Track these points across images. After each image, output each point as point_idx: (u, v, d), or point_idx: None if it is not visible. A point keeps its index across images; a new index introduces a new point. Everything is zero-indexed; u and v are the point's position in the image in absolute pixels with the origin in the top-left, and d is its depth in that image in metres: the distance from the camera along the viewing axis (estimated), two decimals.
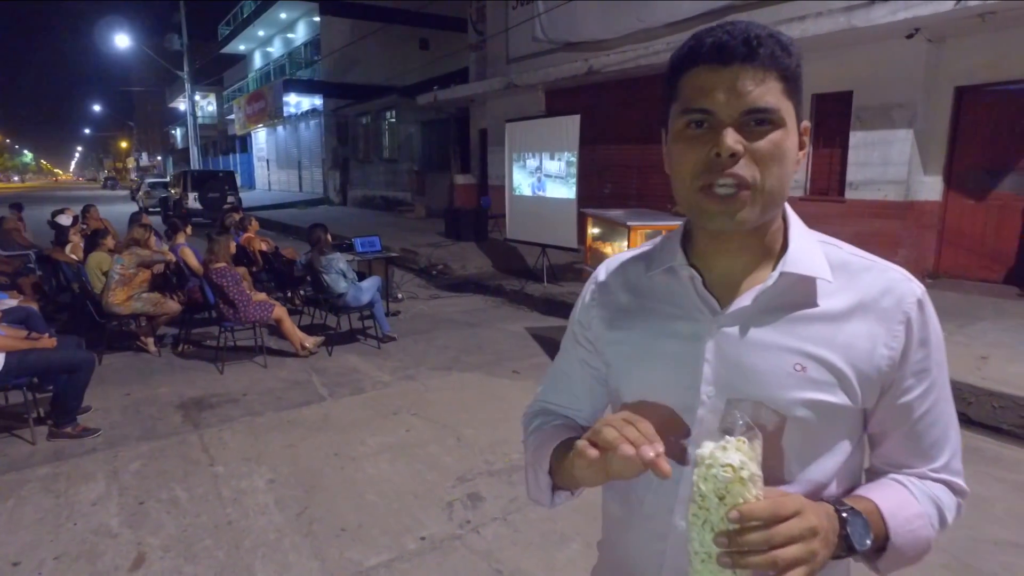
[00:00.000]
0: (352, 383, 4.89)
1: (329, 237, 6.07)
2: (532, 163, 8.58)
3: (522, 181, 8.84)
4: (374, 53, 21.91)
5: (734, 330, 0.78)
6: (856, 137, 7.20)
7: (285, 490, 3.25)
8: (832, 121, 7.46)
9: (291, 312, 6.21)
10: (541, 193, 8.45)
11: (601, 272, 0.96)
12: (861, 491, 0.80)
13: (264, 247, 7.63)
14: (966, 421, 3.89)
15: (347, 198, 23.01)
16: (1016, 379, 3.98)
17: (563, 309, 6.78)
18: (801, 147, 0.77)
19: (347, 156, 23.35)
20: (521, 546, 2.74)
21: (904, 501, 0.78)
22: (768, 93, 0.71)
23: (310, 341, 5.63)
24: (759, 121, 0.71)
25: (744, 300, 0.78)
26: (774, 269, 0.78)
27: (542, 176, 8.39)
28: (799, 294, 0.78)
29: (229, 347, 5.44)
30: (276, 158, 30.68)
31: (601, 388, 0.96)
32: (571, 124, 7.75)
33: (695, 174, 0.74)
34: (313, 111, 24.97)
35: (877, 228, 7.11)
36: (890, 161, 6.95)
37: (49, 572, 2.59)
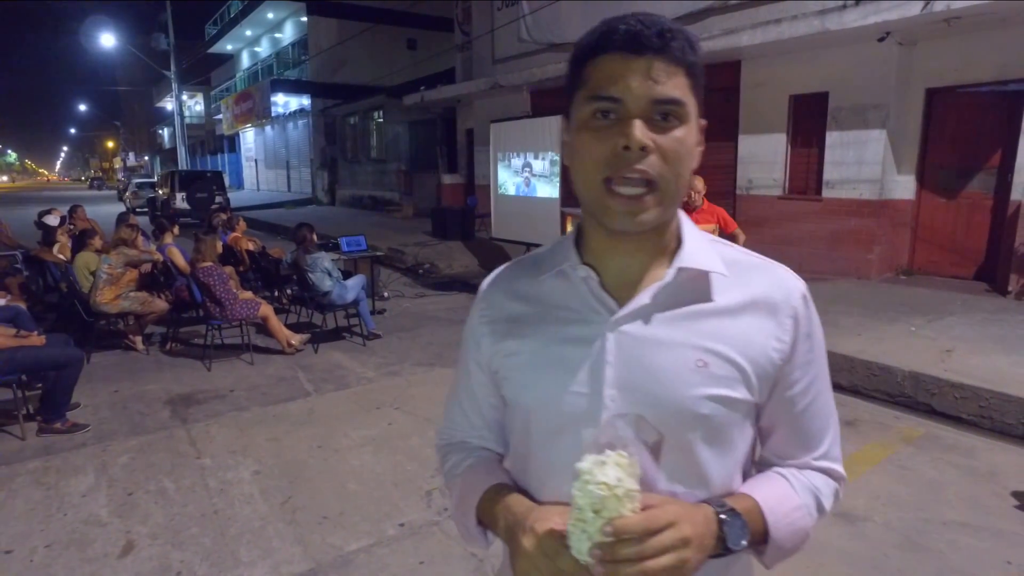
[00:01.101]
0: (337, 379, 5.00)
1: (315, 236, 6.17)
2: (517, 163, 8.71)
3: (507, 181, 8.97)
4: (361, 53, 21.93)
5: (634, 328, 0.77)
6: (832, 137, 7.39)
7: (270, 481, 3.36)
8: (809, 121, 7.65)
9: (277, 310, 6.30)
10: (528, 193, 8.58)
11: (484, 287, 0.93)
12: (745, 487, 0.82)
13: (251, 246, 7.71)
14: (929, 411, 4.06)
15: (335, 198, 23.02)
16: (977, 371, 4.14)
17: None
18: (699, 143, 0.77)
19: (335, 156, 23.37)
20: None
21: (784, 495, 0.80)
22: (677, 87, 0.71)
23: (296, 339, 5.73)
24: (665, 116, 0.71)
25: (643, 298, 0.77)
26: (670, 266, 0.78)
27: (530, 177, 8.52)
28: (696, 290, 0.78)
29: (216, 345, 5.53)
30: (264, 158, 30.62)
31: (495, 413, 0.93)
32: (554, 124, 7.88)
33: (599, 166, 0.72)
34: (301, 111, 24.96)
35: (853, 226, 7.30)
36: (865, 160, 7.14)
37: (41, 559, 2.69)
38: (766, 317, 0.78)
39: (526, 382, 0.83)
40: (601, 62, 0.72)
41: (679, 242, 0.80)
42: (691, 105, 0.73)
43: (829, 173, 7.48)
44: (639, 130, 0.69)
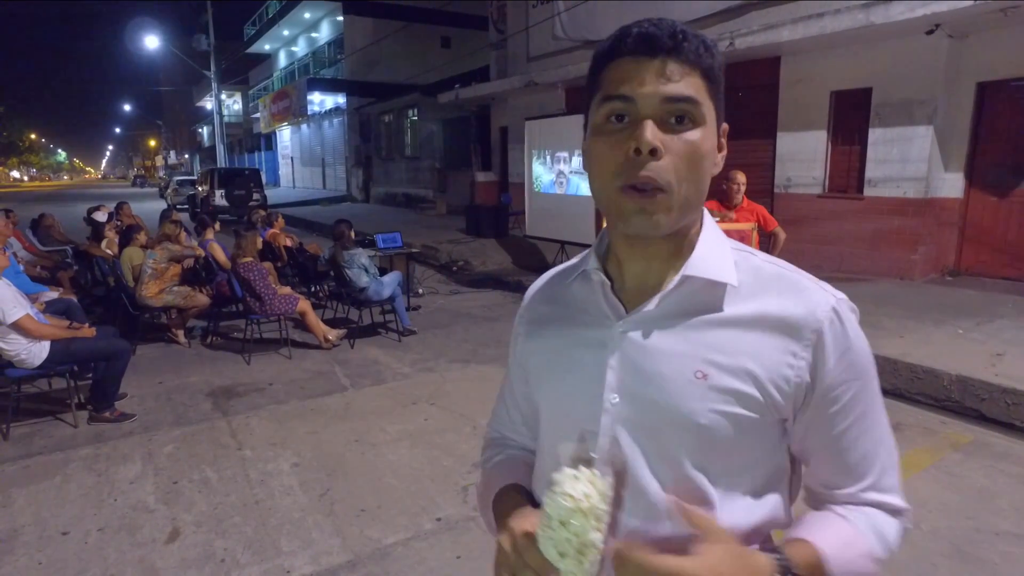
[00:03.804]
0: (373, 374, 5.07)
1: (352, 233, 6.25)
2: (551, 160, 8.69)
3: (542, 178, 8.96)
4: (396, 52, 22.15)
5: (637, 335, 0.77)
6: (875, 134, 7.18)
7: (308, 473, 3.42)
8: (851, 118, 7.45)
9: (315, 306, 6.40)
10: (562, 191, 8.56)
11: (532, 286, 0.97)
12: (803, 530, 0.76)
13: (289, 243, 7.85)
14: (978, 417, 3.93)
15: (370, 195, 23.30)
16: None
17: None
18: (720, 149, 0.76)
19: (370, 154, 23.65)
20: None
21: (848, 540, 0.75)
22: (692, 87, 0.70)
23: (333, 334, 5.82)
24: (679, 118, 0.70)
25: (649, 304, 0.77)
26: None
27: (564, 174, 8.49)
28: (704, 299, 0.76)
29: (255, 339, 5.65)
30: (300, 156, 31.15)
31: (532, 409, 0.94)
32: None
33: (615, 172, 0.71)
34: (336, 109, 25.32)
35: (896, 225, 7.09)
36: (909, 158, 6.92)
37: (95, 541, 2.80)
38: (781, 332, 0.74)
39: (542, 381, 0.87)
40: (615, 66, 0.72)
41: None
42: (707, 107, 0.71)
43: (872, 171, 7.28)
44: (649, 131, 0.68)
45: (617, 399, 0.77)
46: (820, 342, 0.73)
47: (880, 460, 0.78)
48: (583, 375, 0.81)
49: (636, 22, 0.72)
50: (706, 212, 0.81)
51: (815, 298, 0.75)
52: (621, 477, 0.75)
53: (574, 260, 0.92)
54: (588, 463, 0.69)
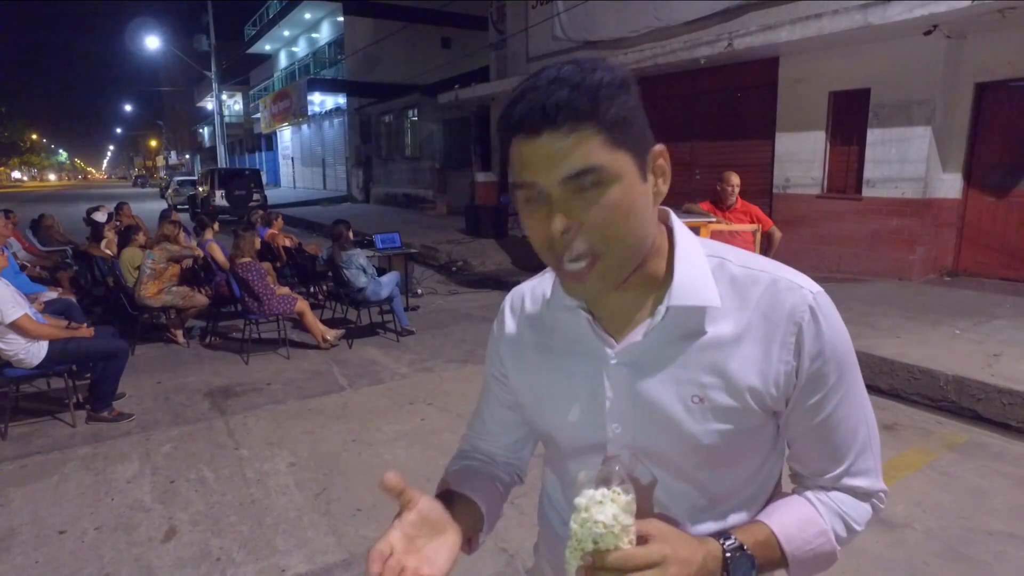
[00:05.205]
0: (371, 374, 5.08)
1: (351, 233, 6.26)
2: None
3: None
4: (397, 52, 22.17)
5: (628, 366, 0.78)
6: (873, 135, 7.19)
7: (305, 472, 3.43)
8: (849, 118, 7.46)
9: (313, 306, 6.41)
10: None
11: (507, 306, 0.96)
12: (765, 514, 0.81)
13: (288, 243, 7.86)
14: (974, 417, 3.93)
15: (370, 195, 23.32)
16: None
17: None
18: (659, 173, 0.74)
19: (370, 154, 23.66)
20: (527, 528, 2.87)
21: (806, 520, 0.79)
22: (589, 153, 0.66)
23: (331, 334, 5.83)
24: (589, 184, 0.67)
25: (635, 335, 0.78)
26: (662, 300, 0.77)
27: None
28: (689, 323, 0.76)
29: (254, 339, 5.67)
30: (301, 156, 31.19)
31: (514, 420, 0.99)
32: None
33: (543, 250, 0.73)
34: (337, 110, 25.35)
35: (895, 226, 7.10)
36: (908, 158, 6.93)
37: (91, 540, 2.81)
38: (767, 338, 0.75)
39: (541, 412, 0.88)
40: (513, 144, 0.70)
41: (672, 271, 0.78)
42: (616, 159, 0.68)
43: (870, 171, 7.29)
44: (557, 222, 0.68)
45: (619, 429, 0.79)
46: (800, 340, 0.75)
47: (857, 444, 0.81)
48: (583, 406, 0.82)
49: (522, 91, 0.69)
50: (675, 219, 0.81)
51: (792, 299, 0.75)
52: (650, 488, 0.80)
53: (546, 282, 0.90)
54: (609, 482, 0.70)
